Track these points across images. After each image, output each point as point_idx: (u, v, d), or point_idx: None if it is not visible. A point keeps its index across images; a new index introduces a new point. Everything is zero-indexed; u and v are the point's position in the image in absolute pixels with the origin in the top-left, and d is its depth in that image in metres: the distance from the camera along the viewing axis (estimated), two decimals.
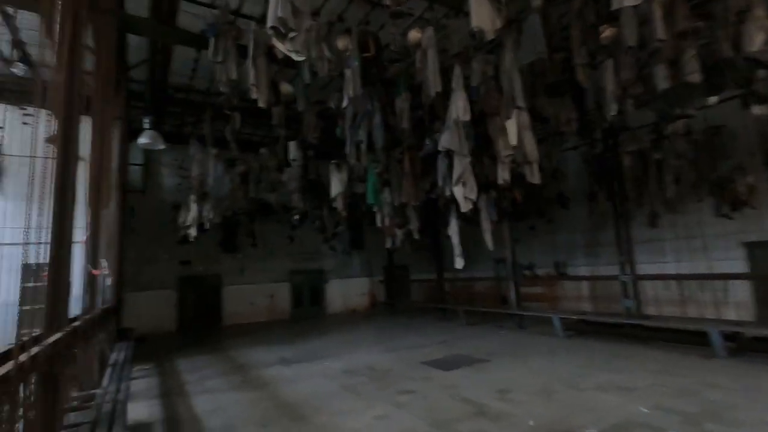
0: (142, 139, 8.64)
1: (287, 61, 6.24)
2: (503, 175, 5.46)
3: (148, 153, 12.69)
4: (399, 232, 8.73)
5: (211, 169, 9.84)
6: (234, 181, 10.63)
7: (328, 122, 8.06)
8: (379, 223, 8.68)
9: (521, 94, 5.25)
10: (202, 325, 13.85)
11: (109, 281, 7.92)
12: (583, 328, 9.21)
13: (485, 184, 8.02)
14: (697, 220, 9.80)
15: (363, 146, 6.84)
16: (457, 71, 5.39)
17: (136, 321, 12.03)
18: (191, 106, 10.74)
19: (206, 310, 14.20)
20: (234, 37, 5.64)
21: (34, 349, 2.91)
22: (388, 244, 9.35)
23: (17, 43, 5.86)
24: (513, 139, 5.18)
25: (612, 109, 5.31)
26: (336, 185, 8.83)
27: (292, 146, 9.45)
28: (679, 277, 9.15)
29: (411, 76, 6.24)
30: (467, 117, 5.21)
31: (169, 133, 12.62)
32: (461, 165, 5.31)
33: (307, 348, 9.40)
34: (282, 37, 3.89)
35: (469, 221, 9.57)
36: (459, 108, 5.19)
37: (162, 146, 9.05)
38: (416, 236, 8.56)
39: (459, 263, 6.91)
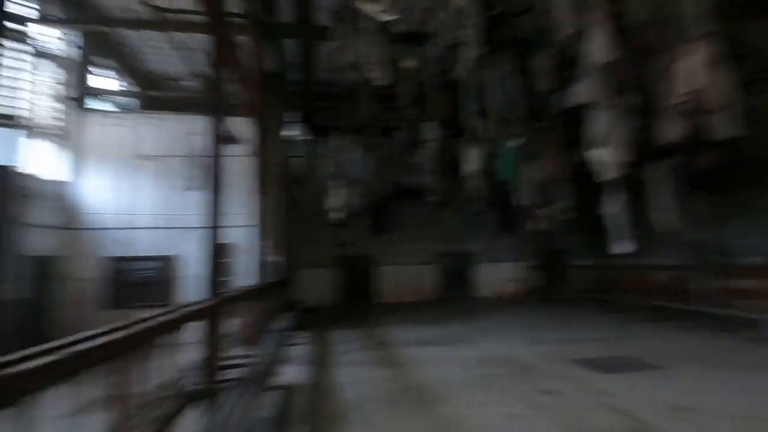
0: (289, 132, 9.63)
1: (409, 37, 6.05)
2: (671, 131, 4.18)
3: (307, 145, 14.20)
4: (542, 213, 7.74)
5: (351, 156, 10.41)
6: (374, 166, 11.05)
7: (454, 95, 7.57)
8: (518, 203, 7.84)
9: (705, 17, 3.87)
10: (355, 302, 14.99)
11: (274, 259, 9.15)
12: None
13: (660, 148, 6.42)
14: None
15: (494, 117, 6.18)
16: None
17: (304, 295, 13.74)
18: (336, 99, 11.53)
19: (359, 289, 15.35)
20: (353, 20, 5.71)
21: (192, 308, 3.51)
22: (531, 226, 8.43)
23: (189, 62, 7.10)
24: (690, 81, 3.88)
25: None
26: (469, 163, 8.29)
27: (427, 126, 9.26)
28: None
29: (548, 30, 5.30)
30: (610, 57, 4.08)
31: (320, 126, 13.90)
32: (606, 119, 4.22)
33: (447, 331, 9.26)
34: None
35: (642, 196, 7.89)
36: (598, 47, 4.09)
37: (306, 137, 9.94)
38: (562, 216, 7.45)
39: (620, 247, 5.73)
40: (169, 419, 3.11)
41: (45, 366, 1.38)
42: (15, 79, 7.25)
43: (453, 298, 15.49)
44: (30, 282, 7.89)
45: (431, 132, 9.23)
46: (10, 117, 7.01)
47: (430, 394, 5.11)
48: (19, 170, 7.53)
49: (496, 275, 16.29)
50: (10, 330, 6.78)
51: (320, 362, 6.96)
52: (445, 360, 6.72)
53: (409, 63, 6.82)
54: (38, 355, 1.46)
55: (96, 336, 1.94)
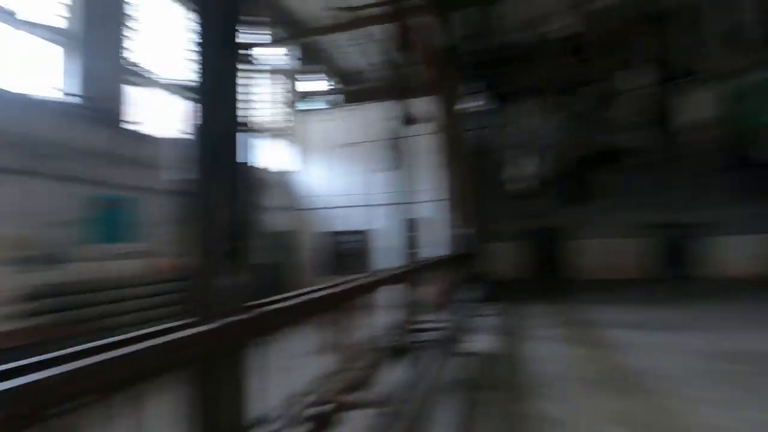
0: (470, 104, 9.51)
1: None
2: None
3: (490, 115, 13.62)
4: None
5: (537, 121, 9.70)
6: (563, 128, 10.02)
7: (665, 30, 5.92)
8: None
9: None
10: (546, 277, 13.97)
11: (462, 231, 9.31)
12: None
13: None
14: None
15: (732, 45, 4.71)
16: None
17: (492, 268, 13.08)
18: (516, 61, 10.81)
19: (550, 263, 14.23)
20: None
21: (388, 274, 3.95)
22: None
23: (377, 52, 7.75)
24: None
25: None
26: (693, 110, 6.63)
27: (627, 74, 7.84)
28: None
29: None
30: None
31: (502, 93, 13.13)
32: None
33: (663, 315, 7.89)
34: None
35: None
36: None
37: (488, 106, 9.70)
38: None
39: None
40: (373, 368, 3.60)
41: (285, 308, 1.77)
42: (250, 93, 9.40)
43: (670, 278, 12.86)
44: (270, 251, 10.18)
45: (634, 80, 7.78)
46: (247, 124, 9.16)
47: (638, 381, 4.47)
48: (258, 166, 9.67)
49: (734, 251, 12.64)
50: (260, 285, 8.94)
51: (510, 334, 6.86)
52: (660, 347, 5.72)
53: (602, 1, 5.72)
54: (281, 301, 1.89)
55: (318, 290, 2.39)
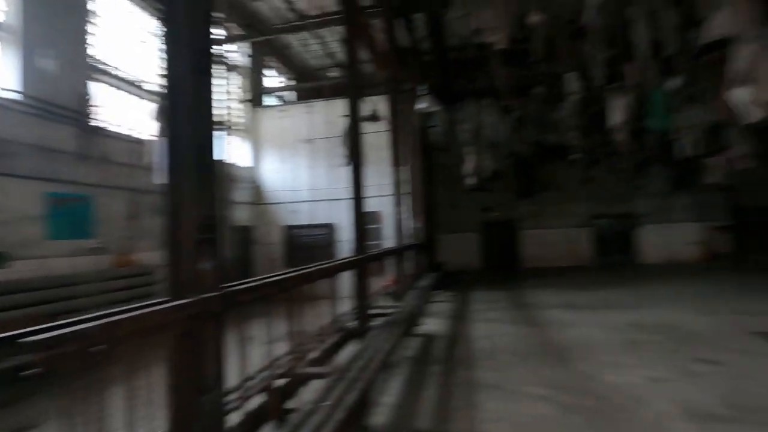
0: (425, 102, 9.58)
1: None
2: None
3: (445, 113, 12.70)
4: (715, 162, 6.74)
5: (489, 119, 10.12)
6: (513, 127, 10.36)
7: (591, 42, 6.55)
8: (685, 153, 7.04)
9: None
10: (500, 265, 14.60)
11: (413, 224, 9.63)
12: None
13: None
14: None
15: (642, 59, 5.54)
16: None
17: (449, 258, 13.71)
18: (469, 63, 10.83)
19: (504, 252, 14.86)
20: None
21: (341, 261, 4.13)
22: (710, 179, 7.77)
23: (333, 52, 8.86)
24: None
25: None
26: (616, 113, 7.34)
27: (567, 79, 8.54)
28: None
29: None
30: None
31: (456, 92, 12.73)
32: (747, 55, 3.54)
33: (598, 296, 8.53)
34: None
35: None
36: None
37: (443, 105, 9.96)
38: (747, 164, 6.35)
39: None
40: (333, 348, 4.03)
41: (248, 288, 2.19)
42: (218, 91, 9.26)
43: (611, 264, 13.97)
44: (235, 245, 10.21)
45: (572, 85, 8.53)
46: (219, 122, 8.61)
47: (567, 352, 4.99)
48: (226, 162, 9.36)
49: (668, 238, 14.08)
50: (227, 275, 9.47)
51: (459, 317, 7.27)
52: (590, 323, 6.31)
53: (536, 17, 6.31)
54: (245, 284, 2.25)
55: (278, 275, 2.74)
